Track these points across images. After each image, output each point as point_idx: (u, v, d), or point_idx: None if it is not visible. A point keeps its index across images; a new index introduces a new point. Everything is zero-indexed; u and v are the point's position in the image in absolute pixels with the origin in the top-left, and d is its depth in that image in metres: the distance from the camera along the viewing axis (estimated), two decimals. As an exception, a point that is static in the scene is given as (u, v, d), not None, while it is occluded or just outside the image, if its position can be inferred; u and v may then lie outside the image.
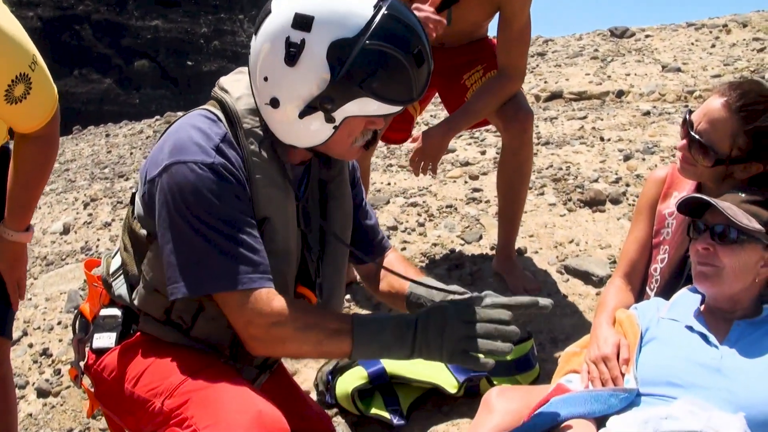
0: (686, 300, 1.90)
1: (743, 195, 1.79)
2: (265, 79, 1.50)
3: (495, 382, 2.31)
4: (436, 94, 3.15)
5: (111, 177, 6.20)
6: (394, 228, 3.60)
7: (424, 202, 3.87)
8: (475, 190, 3.97)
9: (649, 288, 2.09)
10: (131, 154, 7.28)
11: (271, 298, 1.51)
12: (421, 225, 3.61)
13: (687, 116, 1.94)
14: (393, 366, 2.33)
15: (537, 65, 7.45)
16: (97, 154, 7.76)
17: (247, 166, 1.56)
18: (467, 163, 4.46)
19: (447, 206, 3.79)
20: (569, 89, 6.27)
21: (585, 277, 2.97)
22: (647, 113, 5.16)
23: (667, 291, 2.02)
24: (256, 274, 1.51)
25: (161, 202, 1.52)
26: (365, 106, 1.47)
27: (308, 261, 1.76)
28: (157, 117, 9.49)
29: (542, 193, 3.78)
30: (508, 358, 2.35)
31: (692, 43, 7.23)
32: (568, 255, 3.17)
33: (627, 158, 4.16)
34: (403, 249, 3.39)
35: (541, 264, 3.13)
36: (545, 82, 6.62)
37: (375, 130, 1.61)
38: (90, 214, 5.01)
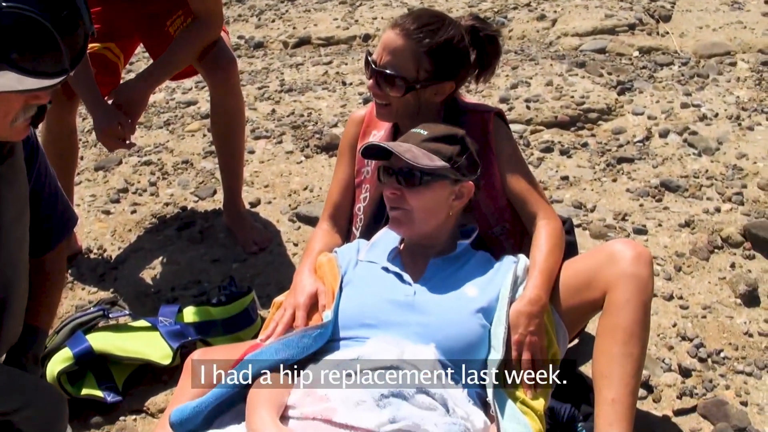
0: (386, 240, 1.90)
1: (425, 133, 1.78)
2: None
3: (213, 344, 2.21)
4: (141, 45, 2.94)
5: None
6: (125, 191, 3.35)
7: (159, 159, 3.65)
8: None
9: (355, 228, 2.09)
10: None
11: None
12: (153, 185, 3.39)
13: (367, 57, 1.91)
14: (101, 343, 2.16)
15: (287, 11, 7.29)
16: None
17: None
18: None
19: (183, 162, 3.60)
20: (317, 35, 6.22)
21: (316, 223, 2.93)
22: (389, 55, 5.22)
23: (370, 229, 2.03)
24: None
25: None
26: (14, 82, 1.28)
27: None
28: None
29: (280, 142, 3.69)
30: (227, 316, 2.28)
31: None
32: (301, 202, 3.12)
33: (366, 101, 4.18)
34: (133, 212, 3.18)
35: (274, 214, 3.06)
36: (294, 28, 6.51)
37: (43, 105, 1.42)
38: None
